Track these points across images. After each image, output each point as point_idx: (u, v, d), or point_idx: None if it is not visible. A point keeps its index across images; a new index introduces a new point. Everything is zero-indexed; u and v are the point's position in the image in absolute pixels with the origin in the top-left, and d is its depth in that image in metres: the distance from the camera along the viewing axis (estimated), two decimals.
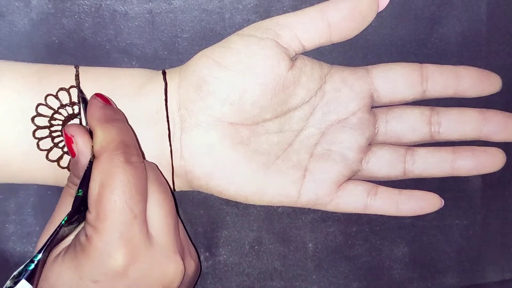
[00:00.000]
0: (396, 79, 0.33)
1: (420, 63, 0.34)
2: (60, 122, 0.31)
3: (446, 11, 0.35)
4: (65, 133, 0.28)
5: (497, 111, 0.34)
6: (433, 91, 0.33)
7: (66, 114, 0.31)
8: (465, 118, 0.34)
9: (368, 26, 0.32)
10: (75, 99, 0.31)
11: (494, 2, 0.35)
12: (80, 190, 0.27)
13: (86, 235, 0.27)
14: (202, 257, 0.36)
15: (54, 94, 0.30)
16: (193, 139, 0.31)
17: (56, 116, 0.30)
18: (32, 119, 0.30)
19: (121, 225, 0.26)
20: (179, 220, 0.31)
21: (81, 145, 0.28)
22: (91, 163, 0.27)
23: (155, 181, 0.28)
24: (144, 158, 0.30)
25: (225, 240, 0.36)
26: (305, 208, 0.36)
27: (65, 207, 0.29)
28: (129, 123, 0.31)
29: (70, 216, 0.27)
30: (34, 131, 0.30)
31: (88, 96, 0.31)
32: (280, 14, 0.32)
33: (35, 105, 0.30)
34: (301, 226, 0.37)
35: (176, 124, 0.31)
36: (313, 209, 0.36)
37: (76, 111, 0.31)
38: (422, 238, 0.37)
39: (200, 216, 0.36)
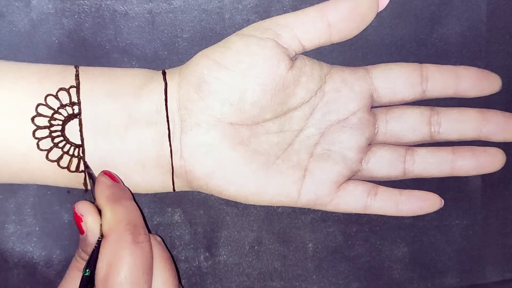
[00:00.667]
0: (396, 79, 0.33)
1: (420, 63, 0.34)
2: (60, 122, 0.31)
3: (446, 11, 0.35)
4: (74, 212, 0.29)
5: (497, 111, 0.34)
6: (433, 91, 0.33)
7: (66, 114, 0.31)
8: (465, 118, 0.34)
9: (368, 26, 0.32)
10: (75, 99, 0.31)
11: (494, 2, 0.35)
12: (88, 270, 0.28)
13: None
14: (202, 257, 0.36)
15: (54, 94, 0.30)
16: (193, 139, 0.31)
17: (56, 116, 0.30)
18: (32, 119, 0.30)
19: None
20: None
21: (90, 224, 0.29)
22: (99, 242, 0.28)
23: (161, 258, 0.29)
24: (150, 232, 0.31)
25: (225, 240, 0.36)
26: (305, 208, 0.36)
27: (72, 281, 0.30)
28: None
29: None
30: (34, 131, 0.30)
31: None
32: (280, 14, 0.32)
33: (35, 105, 0.30)
34: (301, 226, 0.37)
35: (176, 124, 0.31)
36: (313, 209, 0.36)
37: (76, 111, 0.31)
38: (422, 238, 0.37)
39: (200, 216, 0.36)
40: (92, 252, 0.28)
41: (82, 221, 0.29)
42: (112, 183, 0.30)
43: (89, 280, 0.28)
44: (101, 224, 0.28)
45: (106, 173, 0.30)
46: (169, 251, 0.31)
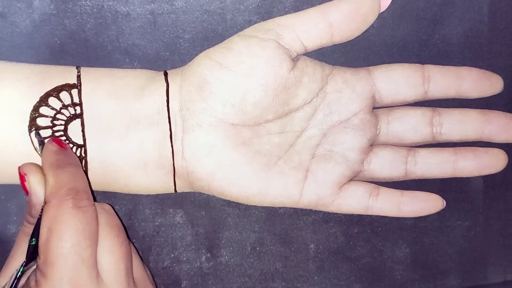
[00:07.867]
0: (398, 80, 0.33)
1: (422, 63, 0.34)
2: (63, 123, 0.31)
3: (448, 12, 0.35)
4: (19, 172, 0.29)
5: (499, 112, 0.34)
6: (435, 92, 0.33)
7: (68, 115, 0.31)
8: (467, 119, 0.34)
9: (369, 26, 0.32)
10: (76, 100, 0.31)
11: (496, 3, 0.35)
12: (33, 239, 0.27)
13: (36, 280, 0.27)
14: (203, 258, 0.36)
15: (56, 94, 0.30)
16: (195, 140, 0.31)
17: (58, 116, 0.31)
18: (35, 119, 0.30)
19: (68, 271, 0.26)
20: (140, 262, 0.31)
21: (33, 183, 0.28)
22: (43, 209, 0.27)
23: (106, 226, 0.28)
24: (95, 200, 0.30)
25: (227, 241, 0.36)
26: (306, 209, 0.36)
27: (21, 247, 0.29)
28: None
29: (25, 265, 0.27)
30: (36, 131, 0.30)
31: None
32: (282, 15, 0.32)
33: (37, 106, 0.30)
34: (303, 227, 0.37)
35: (177, 125, 0.31)
36: (315, 210, 0.36)
37: (78, 111, 0.31)
38: (423, 239, 0.37)
39: (201, 217, 0.36)
40: (37, 220, 0.28)
41: (25, 181, 0.28)
42: (57, 149, 0.29)
43: (34, 249, 0.27)
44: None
45: (54, 140, 0.30)
46: (121, 221, 0.30)
